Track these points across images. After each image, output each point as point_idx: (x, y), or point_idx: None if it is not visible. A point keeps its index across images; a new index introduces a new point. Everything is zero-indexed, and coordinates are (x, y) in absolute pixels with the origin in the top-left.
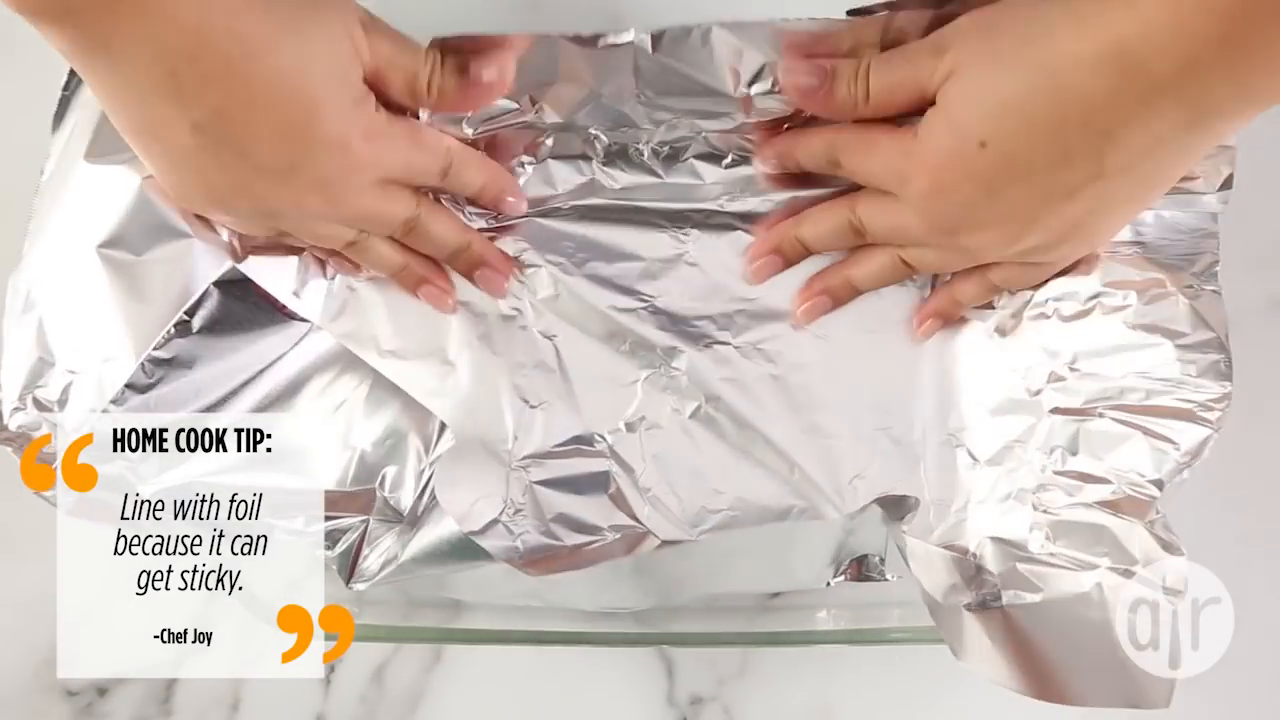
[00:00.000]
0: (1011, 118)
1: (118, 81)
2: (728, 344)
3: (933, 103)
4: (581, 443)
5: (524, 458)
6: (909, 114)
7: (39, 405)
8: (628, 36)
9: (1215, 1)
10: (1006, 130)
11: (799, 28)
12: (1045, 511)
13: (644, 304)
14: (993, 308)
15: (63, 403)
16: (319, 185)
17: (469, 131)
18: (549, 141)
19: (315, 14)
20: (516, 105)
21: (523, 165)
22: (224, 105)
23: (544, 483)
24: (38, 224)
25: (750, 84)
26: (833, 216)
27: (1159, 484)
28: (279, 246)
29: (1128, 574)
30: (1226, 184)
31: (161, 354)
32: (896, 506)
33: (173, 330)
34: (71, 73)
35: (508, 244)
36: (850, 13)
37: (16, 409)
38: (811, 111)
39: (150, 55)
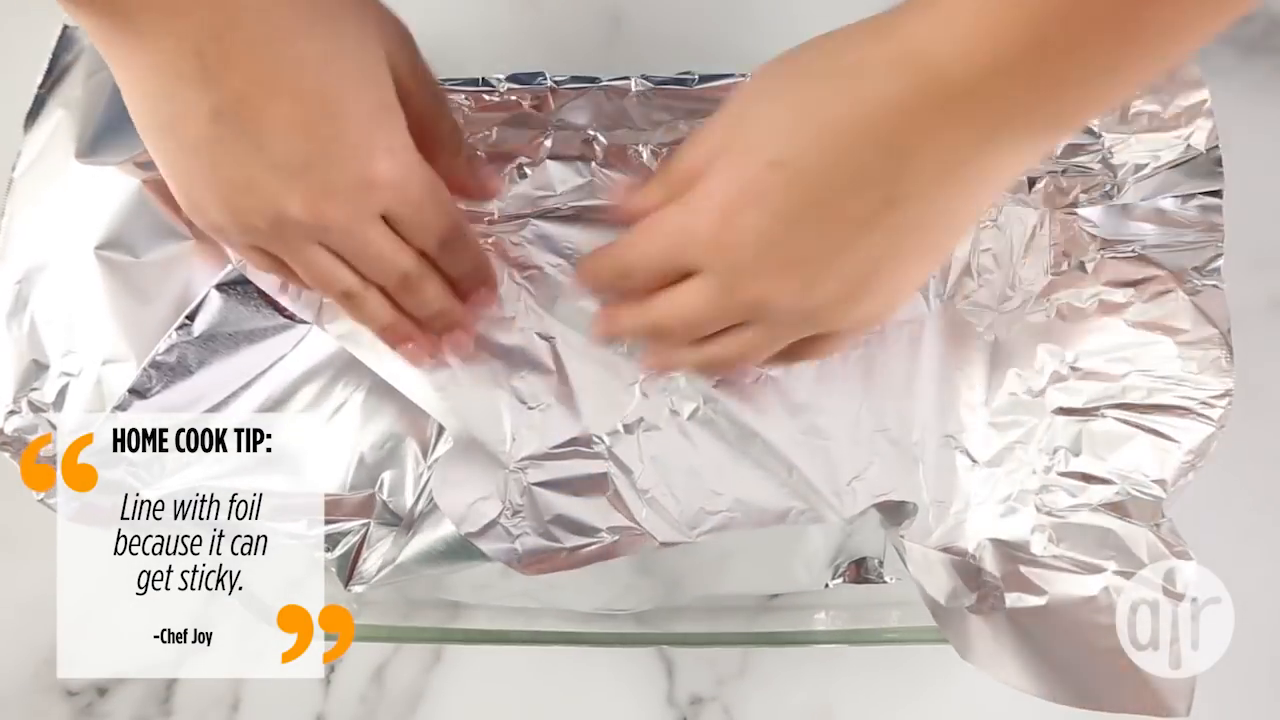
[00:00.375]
0: (807, 128)
1: (143, 67)
2: None
3: None
4: (580, 444)
5: (522, 459)
6: None
7: (34, 408)
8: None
9: (1024, 10)
10: (801, 143)
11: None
12: (1049, 513)
13: None
14: (993, 306)
15: (58, 405)
16: (330, 194)
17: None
18: (548, 142)
19: (353, 12)
20: (515, 98)
21: (521, 167)
22: (246, 91)
23: (542, 484)
24: (14, 223)
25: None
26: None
27: (1163, 484)
28: None
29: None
30: (1211, 137)
31: (164, 358)
32: (894, 512)
33: (175, 334)
34: (48, 72)
35: (507, 245)
36: None
37: (11, 412)
38: (631, 220)
39: (177, 33)
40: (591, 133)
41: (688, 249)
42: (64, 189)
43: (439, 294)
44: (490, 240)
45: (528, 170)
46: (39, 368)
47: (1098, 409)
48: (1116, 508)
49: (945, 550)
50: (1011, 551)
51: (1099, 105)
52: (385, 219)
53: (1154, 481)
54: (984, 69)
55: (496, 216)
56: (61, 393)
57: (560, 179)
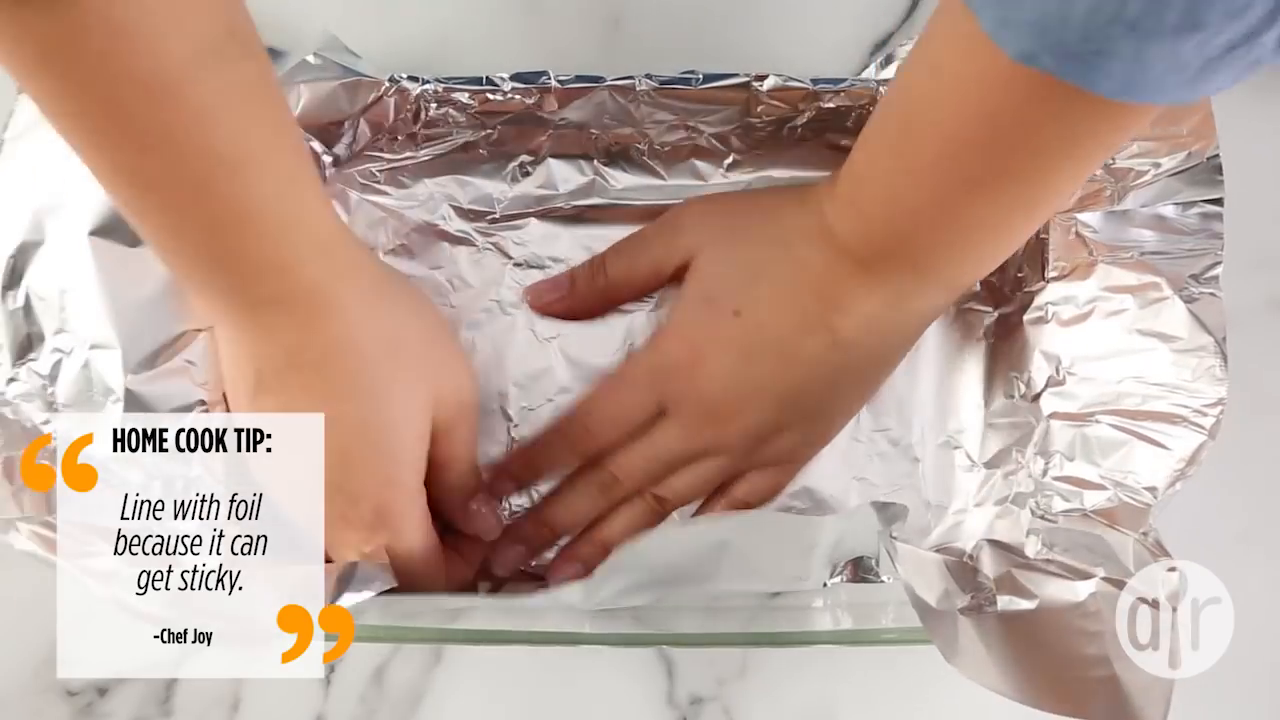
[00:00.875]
0: (760, 286)
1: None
2: None
3: (673, 279)
4: None
5: None
6: (649, 289)
7: (35, 375)
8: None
9: (882, 209)
10: (756, 298)
11: None
12: (1042, 517)
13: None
14: (992, 310)
15: (53, 379)
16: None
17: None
18: (551, 141)
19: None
20: (519, 96)
21: (523, 165)
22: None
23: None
24: (7, 192)
25: (758, 81)
26: (578, 491)
27: (1154, 491)
28: None
29: (1122, 586)
30: (1212, 145)
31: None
32: (885, 513)
33: (175, 330)
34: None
35: (509, 245)
36: None
37: (11, 380)
38: (564, 315)
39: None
40: (594, 131)
41: (668, 383)
42: (59, 162)
43: None
44: (492, 240)
45: (530, 169)
46: (36, 339)
47: (1093, 414)
48: (1107, 514)
49: (942, 551)
50: (1007, 554)
51: (985, 266)
52: None
53: (1145, 489)
54: (874, 251)
55: (498, 215)
56: (55, 366)
57: (563, 178)
